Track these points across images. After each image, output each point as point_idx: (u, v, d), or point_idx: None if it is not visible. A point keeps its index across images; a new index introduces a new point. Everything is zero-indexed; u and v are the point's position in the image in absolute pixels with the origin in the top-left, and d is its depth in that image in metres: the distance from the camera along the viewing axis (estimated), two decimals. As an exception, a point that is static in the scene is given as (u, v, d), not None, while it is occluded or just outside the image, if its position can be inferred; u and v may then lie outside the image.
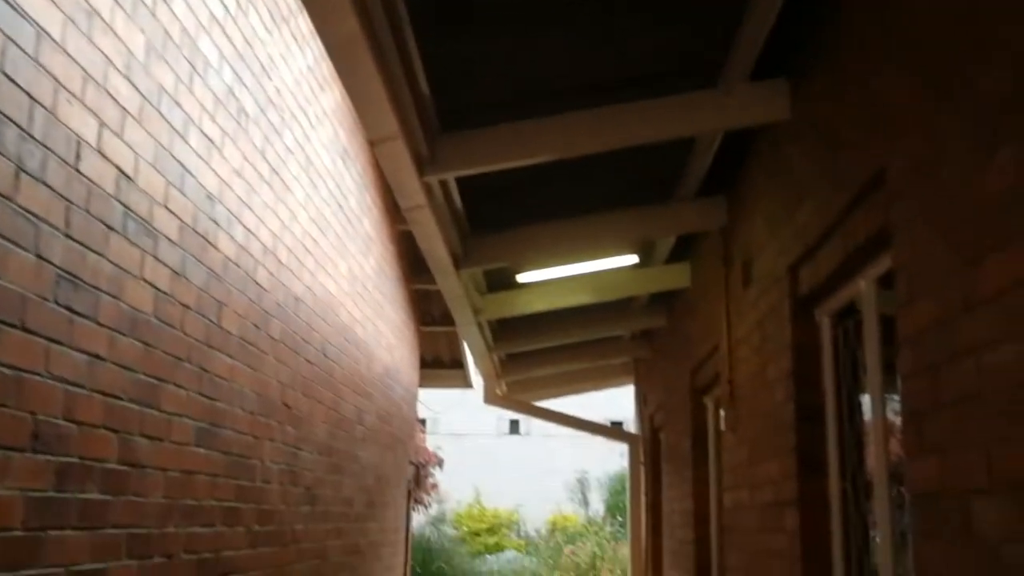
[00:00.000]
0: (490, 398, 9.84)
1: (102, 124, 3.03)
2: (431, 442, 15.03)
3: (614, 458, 24.17)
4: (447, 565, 13.58)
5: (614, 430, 10.38)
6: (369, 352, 7.25)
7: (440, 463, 14.05)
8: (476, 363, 9.00)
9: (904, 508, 3.12)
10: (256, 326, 4.52)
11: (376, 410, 7.55)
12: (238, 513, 4.30)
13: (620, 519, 20.17)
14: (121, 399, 3.18)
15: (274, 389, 4.83)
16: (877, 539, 3.31)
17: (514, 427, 26.46)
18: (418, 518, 16.21)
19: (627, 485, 9.84)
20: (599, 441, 25.39)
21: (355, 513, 6.76)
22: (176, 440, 3.61)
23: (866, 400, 3.49)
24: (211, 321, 3.95)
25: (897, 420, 3.30)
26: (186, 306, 3.69)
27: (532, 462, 25.25)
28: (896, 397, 3.20)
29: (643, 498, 9.35)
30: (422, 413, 15.47)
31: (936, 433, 2.36)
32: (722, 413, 5.14)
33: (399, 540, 8.95)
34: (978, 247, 2.13)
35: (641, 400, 9.90)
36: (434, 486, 13.94)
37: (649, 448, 9.28)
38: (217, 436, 4.03)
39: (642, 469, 9.46)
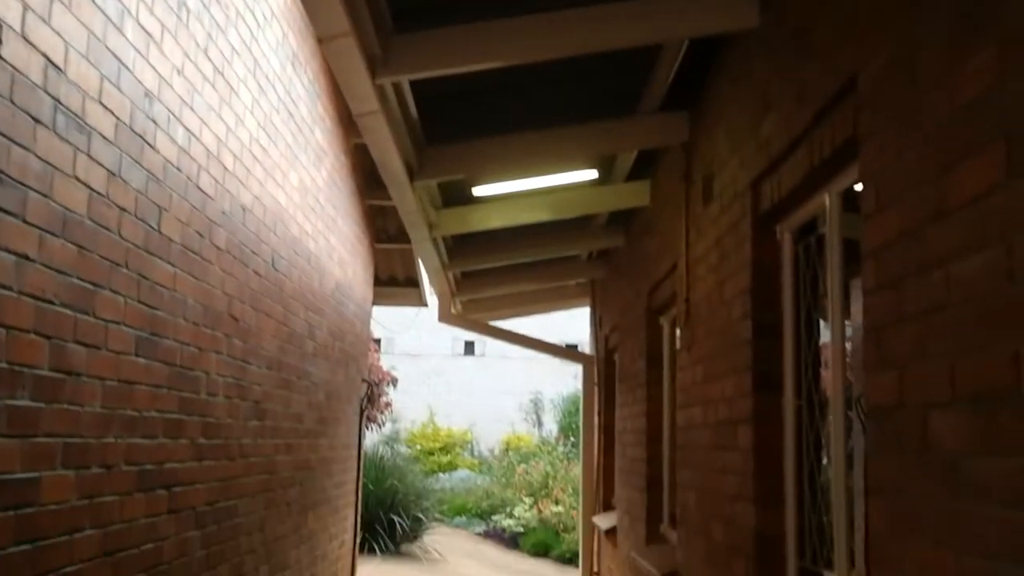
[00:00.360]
0: (444, 317, 9.77)
1: (26, 7, 2.81)
2: (385, 362, 14.98)
3: (568, 380, 24.41)
4: (400, 483, 13.63)
5: (568, 351, 10.38)
6: (321, 267, 7.09)
7: (394, 382, 14.01)
8: (431, 281, 8.89)
9: (854, 428, 3.11)
10: (200, 234, 4.34)
11: (328, 326, 7.43)
12: (182, 425, 4.19)
13: (573, 440, 20.45)
14: (53, 303, 3.02)
15: (220, 300, 4.68)
16: (826, 459, 3.31)
17: (469, 348, 26.54)
18: (372, 437, 16.25)
19: (580, 406, 9.89)
20: (553, 363, 25.60)
21: (305, 429, 6.69)
22: (114, 348, 3.46)
23: (823, 319, 3.45)
24: (150, 226, 3.77)
25: (854, 342, 3.27)
26: (123, 209, 3.51)
27: (486, 383, 25.43)
28: (849, 323, 3.17)
29: (596, 418, 9.41)
30: (377, 333, 15.36)
31: (897, 347, 2.30)
32: (678, 332, 5.10)
33: (351, 457, 8.93)
34: (951, 153, 2.04)
35: (596, 322, 9.89)
36: (388, 405, 13.92)
37: (603, 369, 9.30)
38: (159, 346, 3.89)
39: (596, 390, 9.50)
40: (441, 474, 20.11)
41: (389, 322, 18.11)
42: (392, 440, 20.35)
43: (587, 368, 9.70)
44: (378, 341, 18.32)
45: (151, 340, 3.80)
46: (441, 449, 22.83)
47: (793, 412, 3.57)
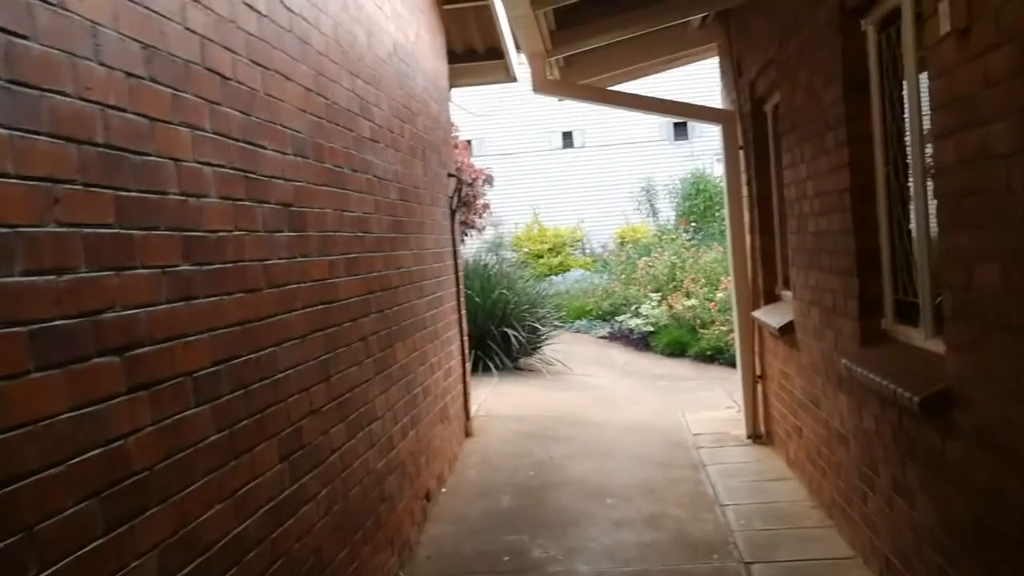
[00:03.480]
0: (541, 86, 7.81)
1: None
2: (477, 164, 13.17)
3: (679, 161, 22.27)
4: (510, 291, 12.00)
5: (703, 109, 8.25)
6: (366, 17, 5.17)
7: (490, 180, 12.24)
8: (518, 36, 6.90)
9: None
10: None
11: (389, 102, 5.59)
12: (129, 246, 2.48)
13: (695, 225, 18.52)
14: None
15: (177, 39, 2.86)
16: None
17: (567, 140, 24.37)
18: (472, 244, 14.70)
19: (724, 176, 7.91)
20: (661, 145, 23.37)
21: (375, 238, 4.99)
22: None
23: None
24: None
25: None
26: None
27: (590, 176, 23.39)
28: None
29: (744, 189, 7.46)
30: (465, 135, 13.44)
31: None
32: (942, 7, 3.06)
33: (446, 268, 7.28)
34: None
35: (732, 68, 7.74)
36: (486, 207, 12.23)
37: (750, 126, 7.25)
38: (40, 105, 2.13)
39: (741, 155, 7.50)
40: (554, 277, 18.53)
41: (476, 121, 16.13)
42: (496, 246, 18.85)
43: (727, 128, 7.64)
44: (469, 143, 16.47)
45: (15, 94, 2.03)
46: (550, 250, 21.20)
47: None
